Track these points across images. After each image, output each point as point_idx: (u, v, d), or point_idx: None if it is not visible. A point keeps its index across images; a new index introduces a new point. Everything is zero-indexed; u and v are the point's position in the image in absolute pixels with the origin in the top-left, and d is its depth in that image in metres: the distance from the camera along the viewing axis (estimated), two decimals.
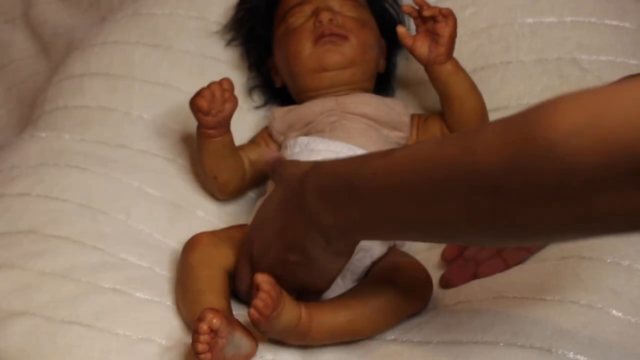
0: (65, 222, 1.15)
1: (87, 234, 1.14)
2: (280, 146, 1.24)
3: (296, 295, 1.00)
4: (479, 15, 1.33)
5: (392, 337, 1.02)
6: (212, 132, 1.19)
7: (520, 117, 0.68)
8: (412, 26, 1.24)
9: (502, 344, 0.94)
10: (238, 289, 1.08)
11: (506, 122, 0.70)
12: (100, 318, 1.03)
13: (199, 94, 1.17)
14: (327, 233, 0.90)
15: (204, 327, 0.92)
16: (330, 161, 0.93)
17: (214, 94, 1.16)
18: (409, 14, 1.20)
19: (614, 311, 0.97)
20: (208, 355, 0.92)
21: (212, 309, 0.94)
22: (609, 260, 1.03)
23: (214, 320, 0.92)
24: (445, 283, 1.11)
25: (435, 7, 1.18)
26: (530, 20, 1.30)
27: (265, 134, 1.27)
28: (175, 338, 1.03)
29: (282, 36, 1.28)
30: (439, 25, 1.18)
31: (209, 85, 1.17)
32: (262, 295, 0.94)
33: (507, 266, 1.08)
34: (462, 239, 0.86)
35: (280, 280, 0.96)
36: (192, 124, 1.28)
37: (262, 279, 0.94)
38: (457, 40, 1.22)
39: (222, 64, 1.37)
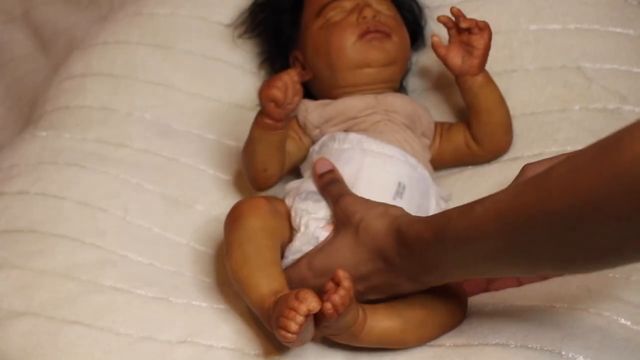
0: (63, 220, 1.14)
1: (85, 232, 1.13)
2: (312, 140, 1.22)
3: None
4: None
5: None
6: (278, 124, 1.15)
7: (590, 156, 0.74)
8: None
9: (512, 346, 0.94)
10: None
11: (575, 164, 0.75)
12: (101, 317, 1.02)
13: (272, 85, 1.11)
14: (420, 281, 0.97)
15: (304, 309, 0.90)
16: (410, 222, 0.96)
17: (287, 86, 1.12)
18: (445, 24, 1.21)
19: (622, 320, 0.97)
20: (295, 337, 0.91)
21: (311, 292, 0.92)
22: (617, 276, 1.04)
23: (315, 305, 0.91)
24: None
25: (472, 20, 1.19)
26: (534, 27, 1.30)
27: (296, 126, 1.23)
28: (178, 336, 1.01)
29: (320, 30, 1.26)
30: (474, 37, 1.19)
31: (280, 76, 1.12)
32: (342, 292, 0.92)
33: (519, 284, 1.08)
34: (555, 272, 0.94)
35: None
36: (194, 124, 1.29)
37: (344, 275, 0.93)
38: None
39: (224, 64, 1.36)
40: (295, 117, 1.24)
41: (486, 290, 1.09)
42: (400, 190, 1.11)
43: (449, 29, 1.21)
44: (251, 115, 1.28)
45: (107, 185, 1.20)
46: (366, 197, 1.07)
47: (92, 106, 1.30)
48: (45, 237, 1.11)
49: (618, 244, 0.74)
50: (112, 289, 1.06)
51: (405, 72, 1.30)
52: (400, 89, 1.32)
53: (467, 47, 1.19)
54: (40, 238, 1.11)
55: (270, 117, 1.14)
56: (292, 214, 1.10)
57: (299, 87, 1.13)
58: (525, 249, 0.82)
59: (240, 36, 1.37)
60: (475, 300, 1.07)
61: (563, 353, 0.92)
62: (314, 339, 0.99)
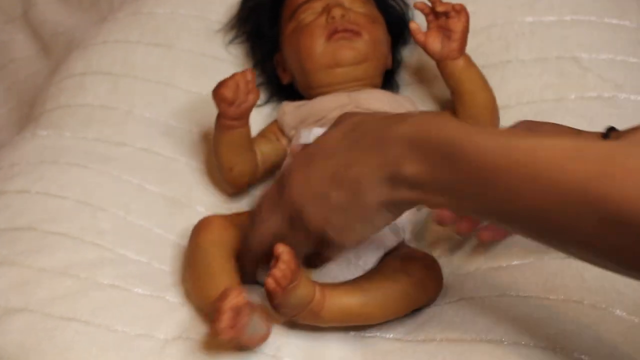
0: (64, 218, 1.15)
1: (85, 230, 1.13)
2: (290, 141, 1.24)
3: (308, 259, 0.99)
4: (478, 14, 1.32)
5: (398, 337, 1.02)
6: (234, 123, 1.18)
7: None
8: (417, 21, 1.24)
9: (506, 343, 0.94)
10: (242, 259, 1.06)
11: None
12: (99, 314, 1.03)
13: (223, 84, 1.16)
14: (400, 181, 0.82)
15: (227, 305, 0.92)
16: (433, 117, 0.91)
17: (239, 85, 1.15)
18: (422, 10, 1.21)
19: (617, 311, 0.97)
20: (231, 332, 0.92)
21: (235, 288, 0.94)
22: None
23: (238, 299, 0.93)
24: (440, 219, 1.05)
25: (448, 3, 1.18)
26: (530, 19, 1.30)
27: (275, 128, 1.27)
28: (175, 333, 1.02)
29: (292, 33, 1.28)
30: (451, 21, 1.18)
31: (233, 76, 1.16)
32: (281, 265, 0.93)
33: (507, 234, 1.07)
34: (577, 256, 0.78)
35: (304, 227, 0.92)
36: (195, 122, 1.30)
37: (283, 249, 0.94)
38: None
39: (223, 62, 1.37)
40: (276, 119, 1.27)
41: (477, 236, 1.06)
42: None
43: (426, 14, 1.20)
44: (252, 113, 1.30)
45: (109, 186, 1.21)
46: None
47: (92, 104, 1.31)
48: (45, 235, 1.12)
49: None
50: (110, 287, 1.07)
51: (384, 66, 1.30)
52: (387, 83, 1.32)
53: (446, 32, 1.19)
54: (39, 236, 1.12)
55: (225, 117, 1.17)
56: None
57: (252, 85, 1.16)
58: (550, 218, 0.73)
59: (230, 42, 1.38)
60: (466, 287, 1.07)
61: (557, 349, 0.92)
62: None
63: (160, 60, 1.35)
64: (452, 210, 0.93)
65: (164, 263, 1.14)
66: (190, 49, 1.37)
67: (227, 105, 1.16)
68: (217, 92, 1.16)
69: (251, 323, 0.94)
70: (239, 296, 0.93)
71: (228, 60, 1.38)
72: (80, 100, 1.32)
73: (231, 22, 1.39)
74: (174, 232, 1.18)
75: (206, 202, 1.25)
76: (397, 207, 0.86)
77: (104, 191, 1.20)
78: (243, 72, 1.16)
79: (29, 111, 1.42)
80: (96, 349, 0.99)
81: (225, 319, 0.92)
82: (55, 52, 1.58)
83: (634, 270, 0.72)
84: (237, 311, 0.93)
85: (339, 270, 1.07)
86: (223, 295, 0.93)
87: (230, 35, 1.38)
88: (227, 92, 1.15)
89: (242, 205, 1.26)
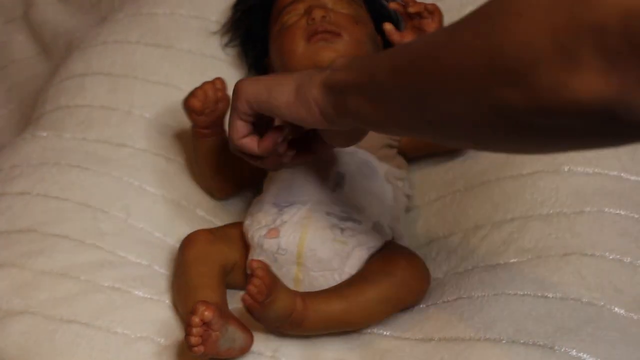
0: (64, 220, 1.15)
1: (86, 233, 1.14)
2: None
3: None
4: None
5: (395, 335, 1.02)
6: (206, 131, 1.19)
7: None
8: None
9: (504, 341, 0.94)
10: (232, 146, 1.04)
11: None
12: (99, 316, 1.03)
13: (192, 94, 1.17)
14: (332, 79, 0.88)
15: (196, 319, 0.92)
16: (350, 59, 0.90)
17: (207, 94, 1.17)
18: (396, 10, 1.20)
19: (616, 308, 0.97)
20: (201, 348, 0.93)
21: (204, 302, 0.94)
22: (610, 257, 1.03)
23: (206, 313, 0.93)
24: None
25: (421, 3, 1.18)
26: None
27: None
28: (174, 336, 1.02)
29: (276, 35, 1.28)
30: (425, 22, 1.18)
31: (202, 85, 1.17)
32: (255, 281, 0.94)
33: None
34: (480, 140, 0.77)
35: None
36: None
37: (257, 264, 0.94)
38: None
39: (223, 63, 1.37)
40: None
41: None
42: (339, 180, 1.13)
43: (400, 15, 1.20)
44: None
45: (109, 188, 1.21)
46: (305, 192, 1.11)
47: (92, 105, 1.31)
48: (45, 237, 1.13)
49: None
50: (111, 289, 1.07)
51: None
52: None
53: (420, 32, 1.18)
54: (40, 238, 1.13)
55: (197, 126, 1.18)
56: (244, 232, 1.13)
57: (221, 94, 1.17)
58: (450, 98, 0.72)
59: (226, 45, 1.38)
60: (464, 286, 1.06)
61: (556, 348, 0.92)
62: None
63: (160, 61, 1.35)
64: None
65: (164, 266, 1.14)
66: (189, 49, 1.37)
67: (197, 114, 1.17)
68: (186, 103, 1.17)
69: (225, 336, 0.95)
70: (207, 310, 0.93)
71: (227, 60, 1.38)
72: (80, 101, 1.32)
73: (226, 25, 1.39)
74: (174, 236, 1.19)
75: (206, 205, 1.25)
76: (332, 90, 0.88)
77: (105, 193, 1.20)
78: (212, 82, 1.17)
79: (29, 112, 1.43)
80: (96, 351, 1.00)
81: (195, 334, 0.92)
82: (56, 53, 1.58)
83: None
84: (208, 325, 0.93)
85: (324, 280, 1.07)
86: (194, 310, 0.93)
87: (226, 38, 1.39)
88: (195, 102, 1.16)
89: (241, 208, 1.27)
